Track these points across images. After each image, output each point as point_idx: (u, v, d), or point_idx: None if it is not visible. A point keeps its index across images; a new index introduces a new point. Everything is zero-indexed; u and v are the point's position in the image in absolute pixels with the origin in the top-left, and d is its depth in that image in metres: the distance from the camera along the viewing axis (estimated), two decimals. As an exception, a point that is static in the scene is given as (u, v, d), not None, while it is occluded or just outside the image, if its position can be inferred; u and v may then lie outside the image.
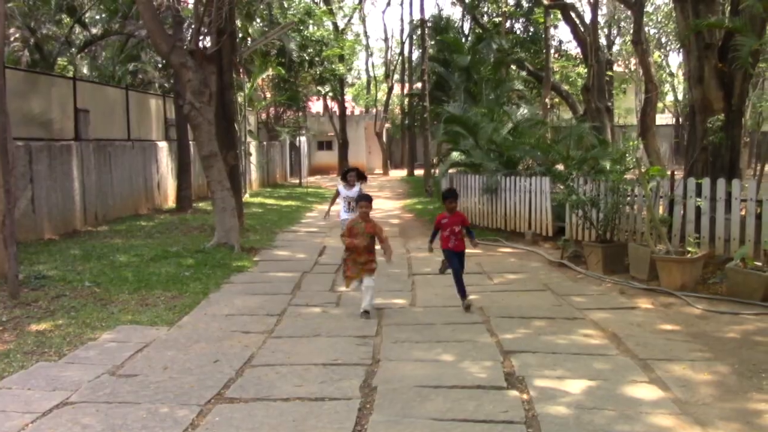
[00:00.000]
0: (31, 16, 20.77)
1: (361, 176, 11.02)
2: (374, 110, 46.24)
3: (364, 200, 8.02)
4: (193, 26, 14.57)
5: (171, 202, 19.87)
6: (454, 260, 8.18)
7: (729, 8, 12.18)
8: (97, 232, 14.39)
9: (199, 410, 4.99)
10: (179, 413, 4.93)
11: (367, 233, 7.79)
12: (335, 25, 39.87)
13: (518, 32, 30.69)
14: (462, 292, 8.05)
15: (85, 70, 24.84)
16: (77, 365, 6.03)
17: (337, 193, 10.98)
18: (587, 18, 22.64)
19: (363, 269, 7.79)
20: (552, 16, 25.72)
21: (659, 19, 35.01)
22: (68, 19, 23.10)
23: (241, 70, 24.72)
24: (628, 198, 10.89)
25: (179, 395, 5.27)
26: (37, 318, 7.55)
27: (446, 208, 8.33)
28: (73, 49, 23.20)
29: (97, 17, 24.95)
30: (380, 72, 51.41)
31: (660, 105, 35.52)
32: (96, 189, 15.55)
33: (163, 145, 20.15)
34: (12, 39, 19.47)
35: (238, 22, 21.20)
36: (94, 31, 24.50)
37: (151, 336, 6.96)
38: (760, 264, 8.52)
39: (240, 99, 24.29)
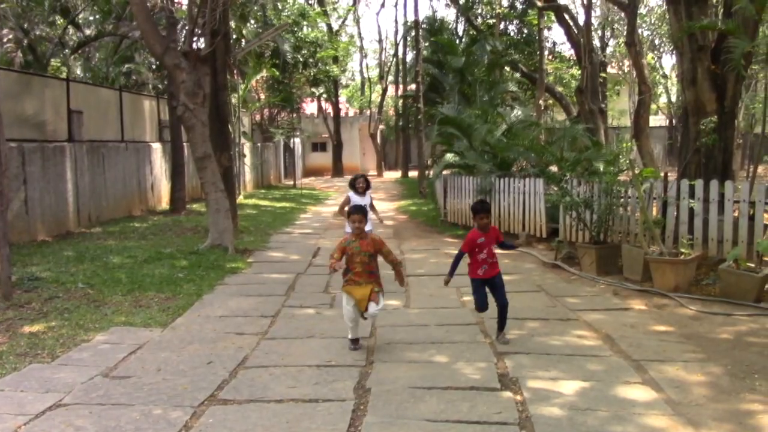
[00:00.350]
0: (24, 17, 20.74)
1: (368, 184, 10.10)
2: (368, 112, 46.28)
3: (358, 213, 6.43)
4: (186, 27, 14.54)
5: (165, 204, 19.84)
6: (482, 292, 6.81)
7: (722, 10, 12.23)
8: (91, 233, 14.35)
9: (193, 412, 4.99)
10: (172, 415, 4.92)
11: (364, 252, 6.36)
12: (329, 26, 39.90)
13: (512, 34, 30.76)
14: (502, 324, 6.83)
15: (78, 72, 24.80)
16: (70, 367, 6.02)
17: (348, 201, 9.87)
18: (581, 20, 22.67)
19: (367, 295, 6.35)
20: (546, 17, 25.75)
21: (653, 21, 35.11)
22: (62, 21, 23.06)
23: (235, 72, 24.69)
24: (622, 199, 10.91)
25: (173, 397, 5.27)
26: (30, 320, 7.52)
27: (478, 225, 6.75)
28: (67, 51, 23.16)
29: (91, 18, 24.94)
30: (374, 73, 51.50)
31: (653, 107, 35.69)
32: (89, 190, 15.51)
33: (156, 147, 20.11)
34: (5, 40, 19.45)
35: (232, 24, 21.20)
36: (87, 32, 24.45)
37: (145, 337, 6.95)
38: (752, 265, 8.56)
39: (234, 100, 24.26)
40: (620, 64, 39.19)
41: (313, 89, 36.85)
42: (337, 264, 6.27)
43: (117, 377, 5.75)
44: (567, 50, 32.36)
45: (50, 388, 5.46)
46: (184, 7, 17.84)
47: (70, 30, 24.22)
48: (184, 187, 19.35)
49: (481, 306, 6.80)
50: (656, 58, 39.49)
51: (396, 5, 68.72)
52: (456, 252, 6.95)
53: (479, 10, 31.73)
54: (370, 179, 10.23)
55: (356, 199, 9.74)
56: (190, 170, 20.03)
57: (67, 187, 14.38)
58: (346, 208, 9.83)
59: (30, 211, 12.92)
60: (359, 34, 49.89)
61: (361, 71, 53.09)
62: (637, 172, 10.47)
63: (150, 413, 4.95)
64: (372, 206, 10.00)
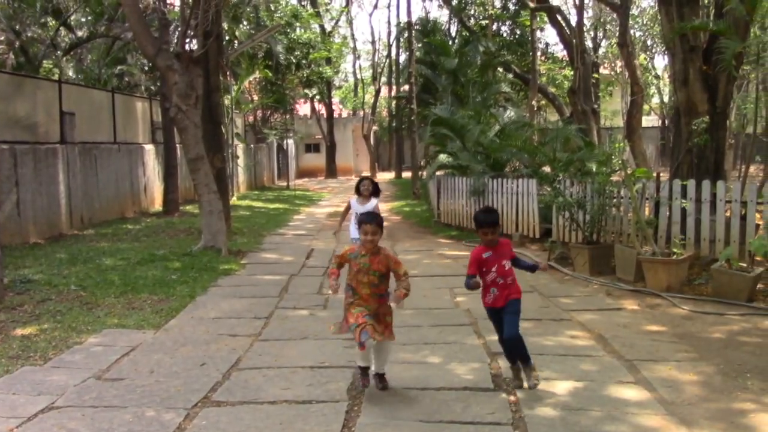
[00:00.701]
0: (16, 18, 20.66)
1: (376, 189, 8.77)
2: (362, 113, 46.28)
3: (370, 222, 5.24)
4: (179, 29, 14.52)
5: (158, 206, 19.79)
6: (497, 321, 5.42)
7: (713, 11, 12.28)
8: (83, 235, 14.31)
9: (186, 414, 4.97)
10: (166, 417, 4.91)
11: (374, 271, 5.21)
12: (322, 27, 39.91)
13: (505, 35, 30.82)
14: (516, 356, 5.40)
15: (70, 73, 24.73)
16: (63, 369, 5.99)
17: (349, 208, 8.77)
18: (573, 21, 22.74)
19: (378, 323, 5.24)
20: (538, 18, 25.82)
21: (645, 22, 35.25)
22: (54, 22, 23.01)
23: (227, 73, 24.64)
24: (615, 200, 10.94)
25: (166, 399, 5.25)
26: (23, 322, 7.49)
27: (483, 241, 5.39)
28: (59, 52, 23.10)
29: (83, 20, 24.87)
30: (367, 74, 51.51)
31: (646, 107, 35.78)
32: (82, 192, 15.46)
33: (149, 148, 20.07)
34: (-4, 42, 19.38)
35: (225, 25, 21.16)
36: (79, 33, 24.40)
37: (138, 339, 6.93)
38: (744, 265, 8.59)
39: (227, 102, 24.24)
40: (613, 64, 39.32)
41: (306, 90, 36.86)
42: (335, 283, 5.27)
43: (110, 379, 5.73)
44: (559, 51, 32.46)
45: (42, 390, 5.44)
46: (177, 9, 17.81)
47: (62, 31, 24.16)
48: (177, 188, 19.30)
49: (500, 334, 5.41)
50: (648, 59, 39.64)
51: (389, 6, 68.83)
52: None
53: (472, 12, 31.78)
54: (378, 183, 8.80)
55: (358, 207, 8.53)
56: (183, 172, 19.99)
57: (59, 189, 14.33)
58: (348, 221, 8.53)
59: (22, 213, 12.87)
60: (352, 35, 49.85)
61: (354, 72, 53.06)
62: (629, 172, 10.50)
63: (143, 415, 4.93)
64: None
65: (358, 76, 51.01)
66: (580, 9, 22.18)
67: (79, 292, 8.94)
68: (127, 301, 8.56)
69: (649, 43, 37.39)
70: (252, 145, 31.39)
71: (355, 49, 49.49)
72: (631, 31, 28.47)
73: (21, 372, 5.91)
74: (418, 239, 14.84)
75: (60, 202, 14.37)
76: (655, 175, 11.00)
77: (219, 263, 11.23)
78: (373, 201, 8.54)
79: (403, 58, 35.69)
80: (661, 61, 48.54)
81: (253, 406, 5.12)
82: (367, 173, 42.43)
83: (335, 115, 45.00)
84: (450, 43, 29.87)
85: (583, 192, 11.44)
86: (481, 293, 5.44)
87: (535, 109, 25.95)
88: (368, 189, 8.52)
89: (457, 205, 15.97)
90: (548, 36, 72.80)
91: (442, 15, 40.86)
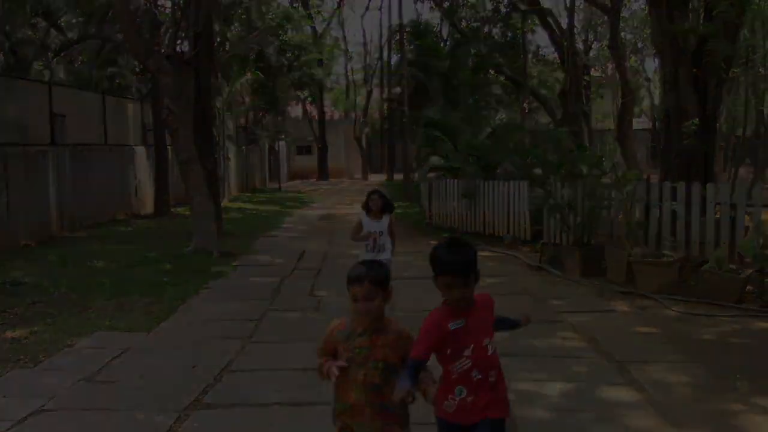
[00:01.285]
0: (6, 19, 20.57)
1: (388, 205, 7.40)
2: (354, 115, 46.29)
3: (360, 281, 3.11)
4: (170, 31, 14.49)
5: (149, 208, 19.73)
6: None
7: (703, 14, 12.35)
8: (74, 237, 14.26)
9: (177, 416, 4.96)
10: (157, 420, 4.89)
11: (376, 361, 3.11)
12: (314, 29, 39.88)
13: (496, 37, 30.85)
14: None
15: (61, 75, 24.63)
16: (54, 372, 5.96)
17: (359, 227, 7.37)
18: (564, 23, 22.82)
19: None
20: (530, 21, 25.91)
21: (635, 25, 35.31)
22: (44, 23, 22.91)
23: (219, 75, 24.62)
24: (605, 202, 10.97)
25: (157, 401, 5.23)
26: (13, 325, 7.46)
27: (448, 298, 3.16)
28: (49, 54, 23.00)
29: (74, 21, 24.77)
30: (359, 77, 51.50)
31: (636, 109, 35.86)
32: (73, 194, 15.40)
33: (140, 150, 20.02)
34: (-14, 43, 19.29)
35: (216, 27, 21.13)
36: (70, 35, 24.31)
37: (129, 342, 6.90)
38: (734, 266, 8.62)
39: (218, 104, 24.18)
40: (603, 67, 39.45)
41: (298, 92, 36.83)
42: (331, 368, 3.20)
43: (101, 382, 5.71)
44: (551, 53, 32.50)
45: (33, 393, 5.41)
46: (168, 11, 17.78)
47: (53, 33, 24.06)
48: (168, 190, 19.26)
49: None
50: (639, 61, 39.76)
51: (380, 8, 68.58)
52: None
53: (463, 14, 31.81)
54: (390, 199, 7.59)
55: (369, 225, 7.32)
56: (174, 174, 19.89)
57: (49, 192, 14.27)
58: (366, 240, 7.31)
59: (12, 215, 12.81)
60: (344, 37, 50.05)
61: (346, 74, 53.13)
62: (620, 174, 10.53)
63: (134, 418, 4.92)
64: (391, 233, 7.41)
65: (350, 79, 51.07)
66: (570, 12, 22.27)
67: (70, 294, 8.90)
68: (118, 304, 8.52)
69: (639, 45, 37.50)
70: (243, 147, 31.33)
71: (346, 51, 49.63)
72: (622, 34, 28.59)
73: (11, 375, 5.89)
74: (410, 241, 14.79)
75: (50, 204, 14.31)
76: (645, 177, 11.04)
77: (210, 265, 11.20)
78: (386, 219, 7.35)
79: (394, 60, 35.72)
80: (651, 64, 48.71)
81: (245, 408, 5.11)
82: (359, 176, 42.48)
83: (327, 117, 45.04)
84: (442, 45, 29.94)
85: (573, 194, 11.46)
86: (439, 389, 3.18)
87: (526, 111, 26.06)
88: (378, 204, 7.24)
89: (448, 207, 15.98)
90: (540, 38, 73.06)
91: (433, 17, 40.86)
